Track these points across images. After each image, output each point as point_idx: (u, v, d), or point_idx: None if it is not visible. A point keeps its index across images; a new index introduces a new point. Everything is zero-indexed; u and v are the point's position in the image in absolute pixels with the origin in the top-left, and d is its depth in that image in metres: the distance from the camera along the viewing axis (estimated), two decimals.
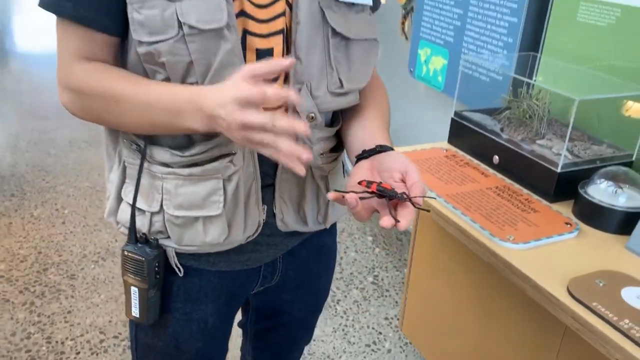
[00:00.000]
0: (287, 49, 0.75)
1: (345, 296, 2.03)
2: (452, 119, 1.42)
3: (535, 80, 1.40)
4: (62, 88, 0.76)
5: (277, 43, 0.74)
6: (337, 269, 2.16)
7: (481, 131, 1.33)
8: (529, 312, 1.10)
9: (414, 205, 0.66)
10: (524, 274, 0.93)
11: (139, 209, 0.80)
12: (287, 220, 0.83)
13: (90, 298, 1.93)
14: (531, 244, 1.00)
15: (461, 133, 1.40)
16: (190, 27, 0.67)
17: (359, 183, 0.69)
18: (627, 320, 0.81)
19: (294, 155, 0.60)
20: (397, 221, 0.64)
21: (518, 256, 0.97)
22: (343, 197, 0.66)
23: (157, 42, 0.68)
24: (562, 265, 0.96)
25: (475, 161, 1.33)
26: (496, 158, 1.29)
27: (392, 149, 0.76)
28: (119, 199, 0.82)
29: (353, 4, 0.78)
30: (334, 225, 0.99)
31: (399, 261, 2.25)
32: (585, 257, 0.99)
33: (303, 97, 0.76)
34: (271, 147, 0.61)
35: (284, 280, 0.93)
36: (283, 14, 0.74)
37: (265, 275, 0.91)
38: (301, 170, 0.61)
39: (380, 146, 0.76)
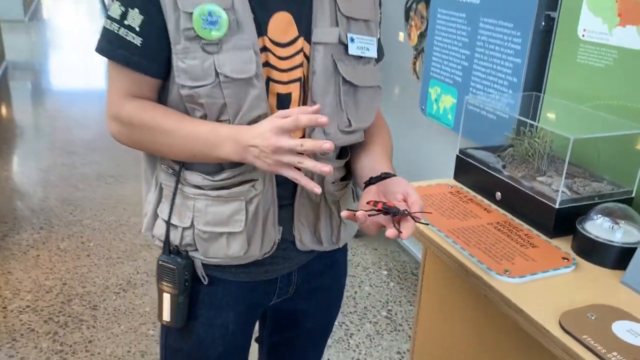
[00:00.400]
0: (304, 94, 0.90)
1: (359, 330, 2.06)
2: (457, 156, 1.47)
3: (532, 119, 1.45)
4: (111, 120, 0.90)
5: (295, 89, 0.89)
6: (350, 302, 2.20)
7: (484, 168, 1.37)
8: (526, 345, 1.12)
9: (414, 220, 0.80)
10: (518, 307, 0.96)
11: (173, 225, 0.93)
12: (305, 240, 0.97)
13: (111, 328, 1.99)
14: (527, 278, 1.03)
15: (466, 170, 1.45)
16: (225, 76, 0.82)
17: (368, 203, 0.84)
18: (615, 353, 0.84)
19: (317, 170, 0.76)
20: (400, 232, 0.78)
21: (513, 290, 1.01)
22: (354, 215, 0.81)
23: (197, 87, 0.83)
24: (557, 299, 0.98)
25: (479, 197, 1.38)
26: (498, 194, 1.33)
27: (395, 175, 0.91)
28: (155, 216, 0.96)
29: (361, 57, 0.93)
30: (345, 244, 1.11)
31: (413, 296, 2.27)
32: (581, 291, 1.01)
33: (317, 134, 0.90)
34: (296, 167, 0.77)
35: (299, 291, 1.05)
36: (301, 65, 0.89)
37: (282, 287, 1.03)
38: (318, 189, 0.78)
39: (385, 173, 0.91)
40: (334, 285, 1.13)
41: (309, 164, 0.76)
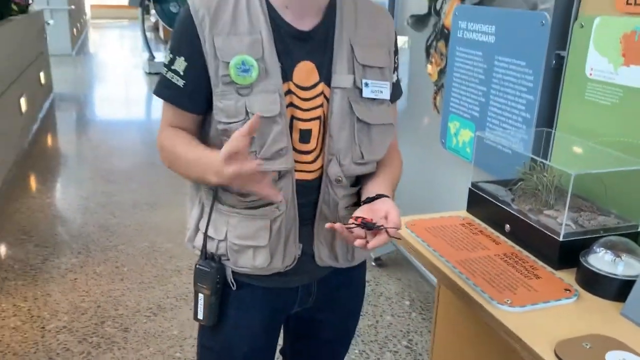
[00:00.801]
0: (323, 130, 1.04)
1: (379, 358, 2.09)
2: (470, 189, 1.53)
3: (544, 154, 1.50)
4: (157, 145, 1.09)
5: (315, 125, 1.03)
6: (372, 331, 2.24)
7: (494, 201, 1.43)
8: None
9: (388, 234, 0.93)
10: (517, 335, 1.01)
11: (210, 237, 1.08)
12: (323, 256, 1.10)
13: (140, 350, 2.09)
14: (527, 307, 1.08)
15: (477, 202, 1.50)
16: (250, 114, 0.96)
17: (352, 217, 0.97)
18: None
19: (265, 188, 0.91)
20: (367, 242, 0.91)
21: (513, 319, 1.05)
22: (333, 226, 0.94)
23: (231, 123, 0.98)
24: (556, 328, 1.02)
25: (489, 229, 1.42)
26: (507, 227, 1.38)
27: (387, 197, 1.02)
28: (197, 230, 1.11)
29: (375, 98, 1.06)
30: (363, 263, 1.24)
31: None
32: (580, 322, 1.05)
33: (333, 165, 1.04)
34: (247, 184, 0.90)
35: (318, 302, 1.17)
36: (321, 105, 1.03)
37: (302, 297, 1.15)
38: (278, 198, 0.93)
39: (378, 195, 1.02)
40: (351, 300, 1.26)
41: (255, 187, 0.90)
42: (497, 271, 1.21)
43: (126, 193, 3.58)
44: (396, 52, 1.14)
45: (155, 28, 12.66)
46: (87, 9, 15.62)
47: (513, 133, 1.74)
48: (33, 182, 3.79)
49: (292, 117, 1.01)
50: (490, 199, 1.44)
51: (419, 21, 2.34)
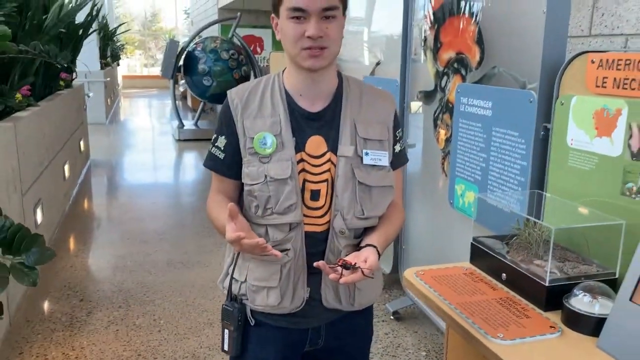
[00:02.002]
0: (331, 190, 1.26)
1: None
2: (471, 244, 1.75)
3: (537, 213, 1.73)
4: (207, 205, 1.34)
5: (323, 187, 1.26)
6: None
7: (492, 253, 1.64)
8: None
9: (363, 273, 1.14)
10: None
11: (235, 279, 1.32)
12: (329, 299, 1.29)
13: None
14: (517, 341, 1.28)
15: (478, 255, 1.72)
16: (271, 177, 1.22)
17: (337, 260, 1.20)
18: None
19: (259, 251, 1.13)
20: (340, 277, 1.12)
21: (505, 350, 1.25)
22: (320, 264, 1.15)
23: (253, 184, 1.24)
24: (540, 358, 1.22)
25: (489, 277, 1.64)
26: (504, 275, 1.59)
27: (374, 246, 1.22)
28: (227, 273, 1.35)
29: (374, 165, 1.29)
30: (368, 311, 1.43)
31: None
32: (563, 353, 1.25)
33: (338, 220, 1.25)
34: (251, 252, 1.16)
35: (327, 344, 1.36)
36: (329, 170, 1.27)
37: (312, 338, 1.34)
38: (278, 255, 1.14)
39: (367, 244, 1.24)
40: (357, 344, 1.44)
41: (251, 250, 1.13)
42: (493, 312, 1.42)
43: (160, 252, 3.84)
44: (396, 127, 1.36)
45: (184, 97, 13.34)
46: (119, 79, 16.54)
47: (510, 194, 1.98)
48: (75, 243, 4.09)
49: (305, 180, 1.25)
50: (488, 251, 1.66)
51: (427, 96, 2.63)
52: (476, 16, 2.18)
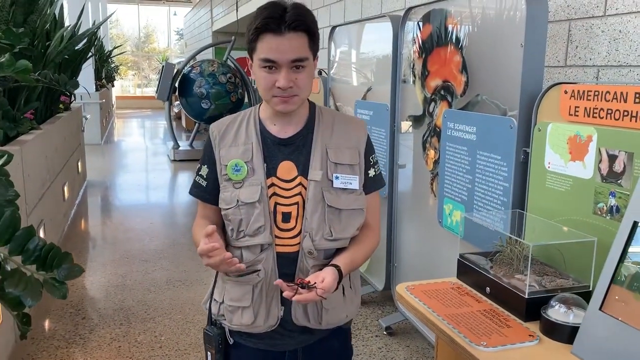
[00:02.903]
0: (302, 213, 1.33)
1: None
2: (458, 260, 1.88)
3: (519, 231, 1.86)
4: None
5: (294, 209, 1.34)
6: None
7: (477, 269, 1.77)
8: None
9: (316, 293, 1.21)
10: None
11: (215, 299, 1.41)
12: (298, 316, 1.36)
13: None
14: (498, 348, 1.40)
15: (464, 270, 1.84)
16: (241, 202, 1.31)
17: (297, 279, 1.29)
18: None
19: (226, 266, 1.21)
20: (294, 295, 1.20)
21: (488, 357, 1.37)
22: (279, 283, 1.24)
23: (227, 208, 1.33)
24: None
25: (474, 291, 1.76)
26: (488, 289, 1.71)
27: (336, 265, 1.29)
28: (210, 295, 1.45)
29: (345, 189, 1.36)
30: (343, 334, 1.50)
31: None
32: (539, 358, 1.37)
33: (306, 241, 1.31)
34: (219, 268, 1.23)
35: None
36: (299, 193, 1.34)
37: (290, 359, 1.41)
38: (242, 267, 1.23)
39: (331, 264, 1.31)
40: None
41: (220, 266, 1.23)
42: (477, 322, 1.54)
43: (159, 271, 3.94)
44: (369, 152, 1.42)
45: (178, 117, 13.47)
46: (113, 100, 16.67)
47: (494, 213, 2.12)
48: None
49: (276, 203, 1.33)
50: (473, 267, 1.79)
51: (416, 120, 2.78)
52: (461, 47, 2.34)
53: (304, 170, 1.35)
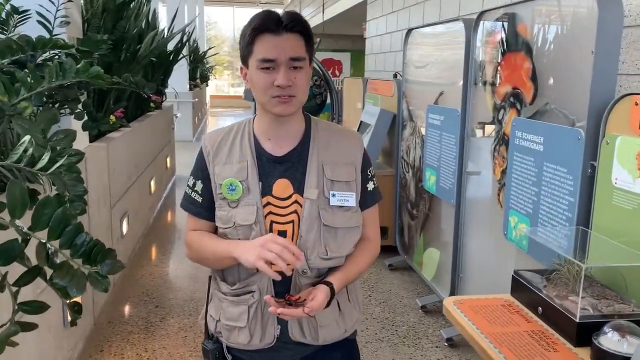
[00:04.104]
0: (298, 231, 1.31)
1: None
2: (512, 276, 1.80)
3: (581, 250, 1.75)
4: (185, 245, 1.42)
5: (289, 227, 1.31)
6: None
7: (530, 286, 1.69)
8: None
9: (303, 310, 1.21)
10: None
11: (211, 316, 1.39)
12: (294, 333, 1.34)
13: None
14: None
15: (518, 287, 1.77)
16: (236, 223, 1.30)
17: (285, 296, 1.27)
18: None
19: (290, 261, 1.18)
20: (278, 314, 1.20)
21: None
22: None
23: (225, 228, 1.32)
24: None
25: (526, 310, 1.68)
26: (540, 309, 1.63)
27: (329, 283, 1.28)
28: (205, 311, 1.44)
29: (341, 206, 1.33)
30: (348, 344, 1.45)
31: None
32: None
33: (302, 259, 1.24)
34: (278, 255, 1.18)
35: None
36: (295, 211, 1.32)
37: None
38: (277, 277, 1.20)
39: (324, 281, 1.29)
40: None
41: (287, 256, 1.18)
42: (522, 343, 1.47)
43: None
44: (366, 166, 1.40)
45: None
46: (207, 99, 17.45)
47: (559, 229, 2.01)
48: (155, 253, 4.43)
49: (272, 222, 1.30)
50: (527, 284, 1.71)
51: (485, 127, 2.69)
52: (531, 53, 2.23)
53: (299, 188, 1.32)
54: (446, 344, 2.96)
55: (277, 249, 1.19)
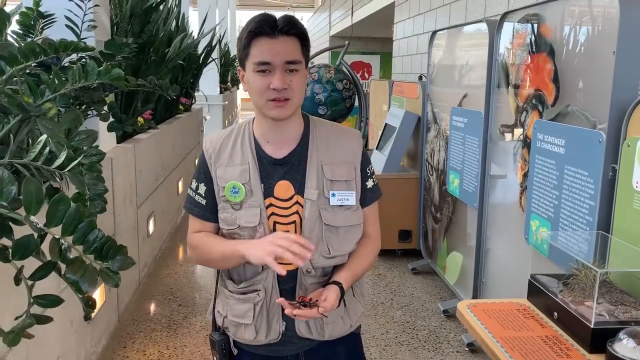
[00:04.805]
0: (300, 231, 1.33)
1: None
2: (529, 280, 1.77)
3: (602, 255, 1.71)
4: (188, 247, 1.45)
5: (292, 228, 1.34)
6: None
7: (545, 291, 1.66)
8: None
9: (317, 311, 1.23)
10: None
11: (218, 312, 1.43)
12: (301, 329, 1.36)
13: None
14: None
15: (534, 292, 1.74)
16: (241, 225, 1.33)
17: (298, 297, 1.30)
18: None
19: (299, 252, 1.19)
20: (294, 315, 1.23)
21: None
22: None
23: (229, 229, 1.34)
24: None
25: (541, 315, 1.65)
26: (555, 314, 1.60)
27: (338, 283, 1.30)
28: (214, 306, 1.47)
29: (341, 205, 1.35)
30: (352, 338, 1.47)
31: None
32: None
33: (313, 249, 1.25)
34: (286, 249, 1.19)
35: None
36: (297, 212, 1.34)
37: None
38: (282, 272, 1.20)
39: (333, 281, 1.31)
40: None
41: (295, 248, 1.19)
42: (534, 348, 1.45)
43: None
44: (365, 164, 1.41)
45: None
46: (238, 102, 17.63)
47: (579, 234, 1.96)
48: (181, 252, 4.50)
49: (275, 222, 1.33)
50: (542, 289, 1.68)
51: (507, 130, 2.65)
52: (553, 54, 2.19)
53: (300, 189, 1.34)
54: (467, 349, 2.92)
55: (286, 243, 1.21)
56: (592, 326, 1.43)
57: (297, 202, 1.34)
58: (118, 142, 3.38)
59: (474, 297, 3.08)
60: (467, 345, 2.94)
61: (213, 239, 1.38)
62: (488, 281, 2.96)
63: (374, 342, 2.99)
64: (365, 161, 1.43)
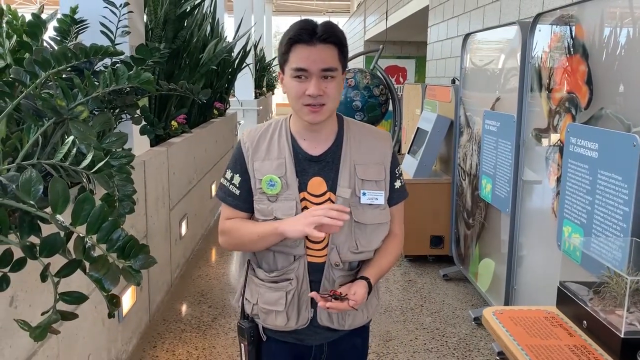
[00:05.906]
0: None
1: None
2: (558, 288, 1.72)
3: (635, 263, 1.65)
4: (220, 234, 1.48)
5: None
6: None
7: (575, 299, 1.61)
8: None
9: (348, 304, 1.30)
10: None
11: (247, 300, 1.48)
12: (323, 318, 1.44)
13: None
14: None
15: (563, 300, 1.69)
16: (277, 217, 1.37)
17: (329, 290, 1.36)
18: None
19: (336, 216, 1.26)
20: (327, 308, 1.30)
21: None
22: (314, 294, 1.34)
23: (265, 219, 1.38)
24: None
25: (570, 323, 1.60)
26: (584, 322, 1.55)
27: (366, 278, 1.38)
28: (241, 294, 1.50)
29: (370, 204, 1.40)
30: (365, 331, 1.57)
31: None
32: None
33: (334, 253, 1.38)
34: (323, 215, 1.26)
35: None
36: None
37: (316, 354, 1.50)
38: (320, 235, 1.27)
39: (361, 276, 1.39)
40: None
41: (332, 213, 1.26)
42: (560, 357, 1.40)
43: None
44: (394, 165, 1.47)
45: None
46: (273, 107, 17.77)
47: (613, 240, 1.90)
48: (213, 254, 4.56)
49: None
50: (572, 296, 1.63)
51: (540, 134, 2.59)
52: (587, 56, 2.14)
53: (332, 186, 1.40)
54: (498, 357, 2.86)
55: (322, 211, 1.28)
56: (622, 336, 1.38)
57: (329, 199, 1.39)
58: (152, 146, 3.46)
59: (506, 304, 3.01)
60: (497, 353, 2.87)
61: (249, 222, 1.43)
62: (520, 288, 2.90)
63: (402, 348, 2.96)
64: (395, 162, 1.49)
